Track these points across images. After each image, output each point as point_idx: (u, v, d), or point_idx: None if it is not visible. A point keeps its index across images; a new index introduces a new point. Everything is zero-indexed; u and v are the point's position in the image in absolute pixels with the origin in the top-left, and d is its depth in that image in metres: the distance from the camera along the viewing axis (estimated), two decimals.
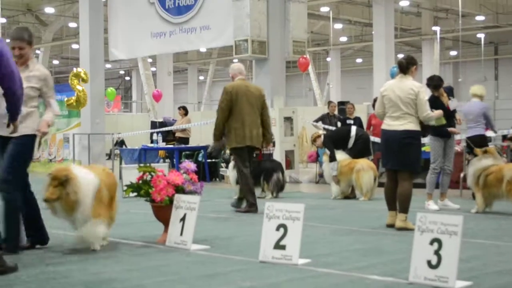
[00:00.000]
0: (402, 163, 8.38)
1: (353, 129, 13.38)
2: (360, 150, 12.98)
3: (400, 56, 46.77)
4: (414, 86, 8.40)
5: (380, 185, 12.89)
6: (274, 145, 14.41)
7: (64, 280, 5.35)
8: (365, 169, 12.29)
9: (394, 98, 8.41)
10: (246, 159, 10.34)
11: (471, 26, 41.36)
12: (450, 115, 10.84)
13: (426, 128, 9.07)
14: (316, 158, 17.80)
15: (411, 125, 8.35)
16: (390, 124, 8.46)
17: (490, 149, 10.55)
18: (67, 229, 8.37)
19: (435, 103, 10.42)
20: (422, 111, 8.38)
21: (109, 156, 26.32)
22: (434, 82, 10.96)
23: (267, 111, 10.68)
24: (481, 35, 43.73)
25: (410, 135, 8.36)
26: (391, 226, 8.37)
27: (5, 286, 5.13)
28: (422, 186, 14.81)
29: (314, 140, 13.57)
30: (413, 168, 8.46)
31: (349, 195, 12.71)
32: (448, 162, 10.95)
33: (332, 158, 12.52)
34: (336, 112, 18.84)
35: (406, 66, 8.51)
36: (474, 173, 10.32)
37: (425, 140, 16.16)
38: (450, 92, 11.20)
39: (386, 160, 8.65)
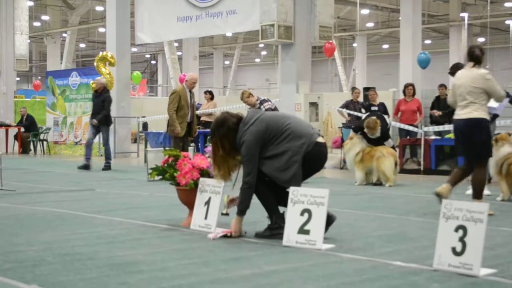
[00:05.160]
0: (469, 151, 8.60)
1: (387, 118, 13.46)
2: (383, 137, 13.07)
3: (427, 42, 46.36)
4: (484, 74, 8.50)
5: (403, 171, 12.90)
6: None
7: (90, 261, 5.39)
8: (385, 156, 12.43)
9: (461, 87, 8.55)
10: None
11: (499, 13, 40.96)
12: None
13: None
14: (341, 144, 17.77)
15: (475, 114, 8.45)
16: (457, 113, 8.67)
17: (502, 136, 10.46)
18: (94, 212, 8.46)
19: None
20: (496, 93, 8.56)
21: (135, 139, 26.50)
22: (455, 70, 10.85)
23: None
24: (509, 22, 43.29)
25: (472, 124, 8.45)
26: (438, 195, 8.39)
27: (30, 267, 5.18)
28: (447, 173, 14.75)
29: (373, 128, 13.05)
30: (479, 156, 8.58)
31: (377, 182, 12.70)
32: None
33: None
34: (360, 99, 18.80)
35: (480, 56, 8.58)
36: (496, 162, 10.28)
37: (451, 127, 16.11)
38: None
39: (458, 149, 8.95)
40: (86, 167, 15.99)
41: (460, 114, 8.55)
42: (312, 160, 6.51)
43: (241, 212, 6.52)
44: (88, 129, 16.57)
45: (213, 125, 6.65)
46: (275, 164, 6.42)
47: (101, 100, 16.43)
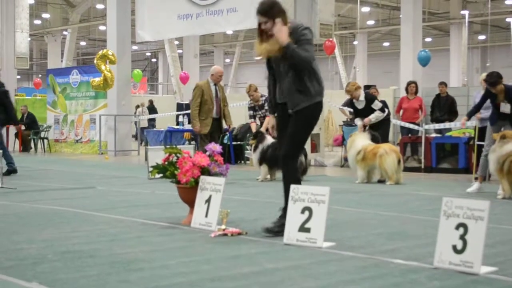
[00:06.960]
0: None
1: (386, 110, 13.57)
2: (386, 133, 13.18)
3: (428, 40, 46.32)
4: None
5: (404, 169, 12.90)
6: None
7: (90, 259, 5.39)
8: (388, 153, 12.34)
9: None
10: None
11: (500, 10, 40.93)
12: (500, 116, 11.02)
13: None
14: (342, 142, 17.76)
15: None
16: None
17: (508, 133, 10.34)
18: (95, 210, 8.46)
19: (485, 97, 11.07)
20: None
21: (135, 137, 26.51)
22: (491, 79, 10.83)
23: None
24: (510, 19, 43.23)
25: None
26: None
27: (31, 265, 5.18)
28: (447, 171, 14.79)
29: (349, 90, 13.36)
30: None
31: (381, 179, 12.70)
32: None
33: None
34: None
35: None
36: (497, 159, 10.09)
37: (451, 125, 16.14)
38: None
39: None
40: (12, 171, 14.08)
41: None
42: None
43: (288, 45, 6.35)
44: None
45: (267, 3, 6.45)
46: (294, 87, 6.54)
47: None
